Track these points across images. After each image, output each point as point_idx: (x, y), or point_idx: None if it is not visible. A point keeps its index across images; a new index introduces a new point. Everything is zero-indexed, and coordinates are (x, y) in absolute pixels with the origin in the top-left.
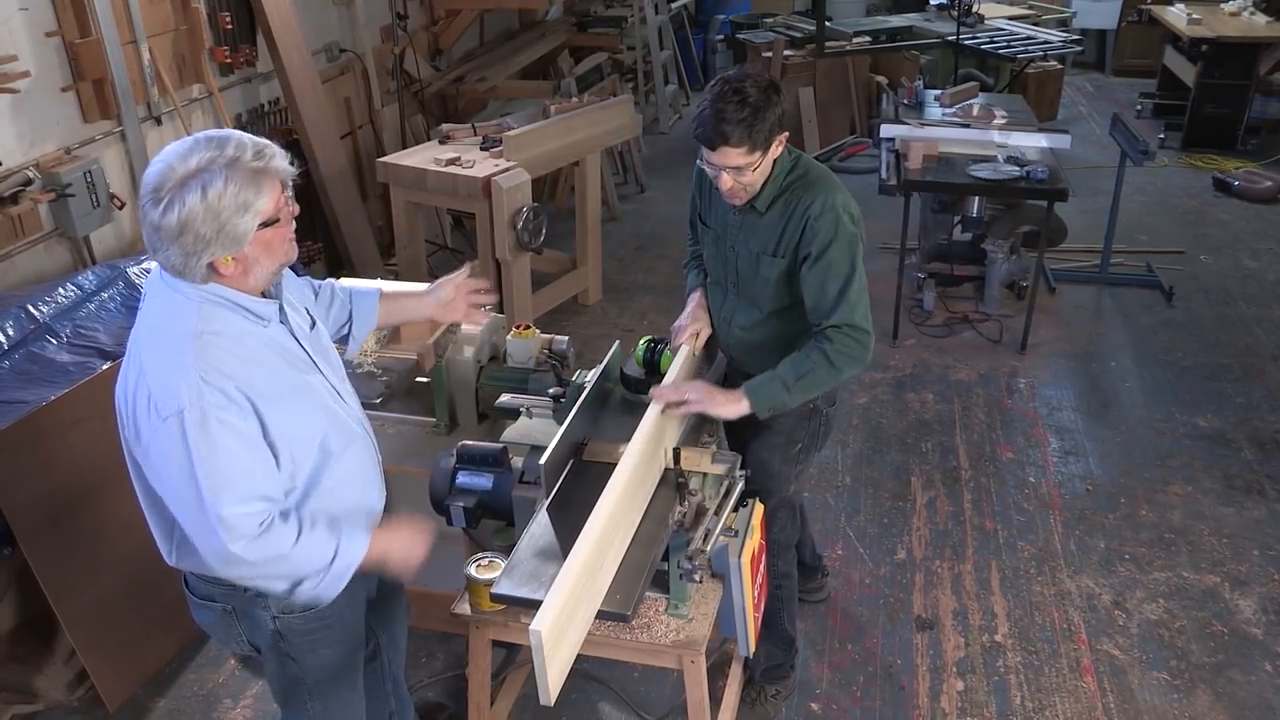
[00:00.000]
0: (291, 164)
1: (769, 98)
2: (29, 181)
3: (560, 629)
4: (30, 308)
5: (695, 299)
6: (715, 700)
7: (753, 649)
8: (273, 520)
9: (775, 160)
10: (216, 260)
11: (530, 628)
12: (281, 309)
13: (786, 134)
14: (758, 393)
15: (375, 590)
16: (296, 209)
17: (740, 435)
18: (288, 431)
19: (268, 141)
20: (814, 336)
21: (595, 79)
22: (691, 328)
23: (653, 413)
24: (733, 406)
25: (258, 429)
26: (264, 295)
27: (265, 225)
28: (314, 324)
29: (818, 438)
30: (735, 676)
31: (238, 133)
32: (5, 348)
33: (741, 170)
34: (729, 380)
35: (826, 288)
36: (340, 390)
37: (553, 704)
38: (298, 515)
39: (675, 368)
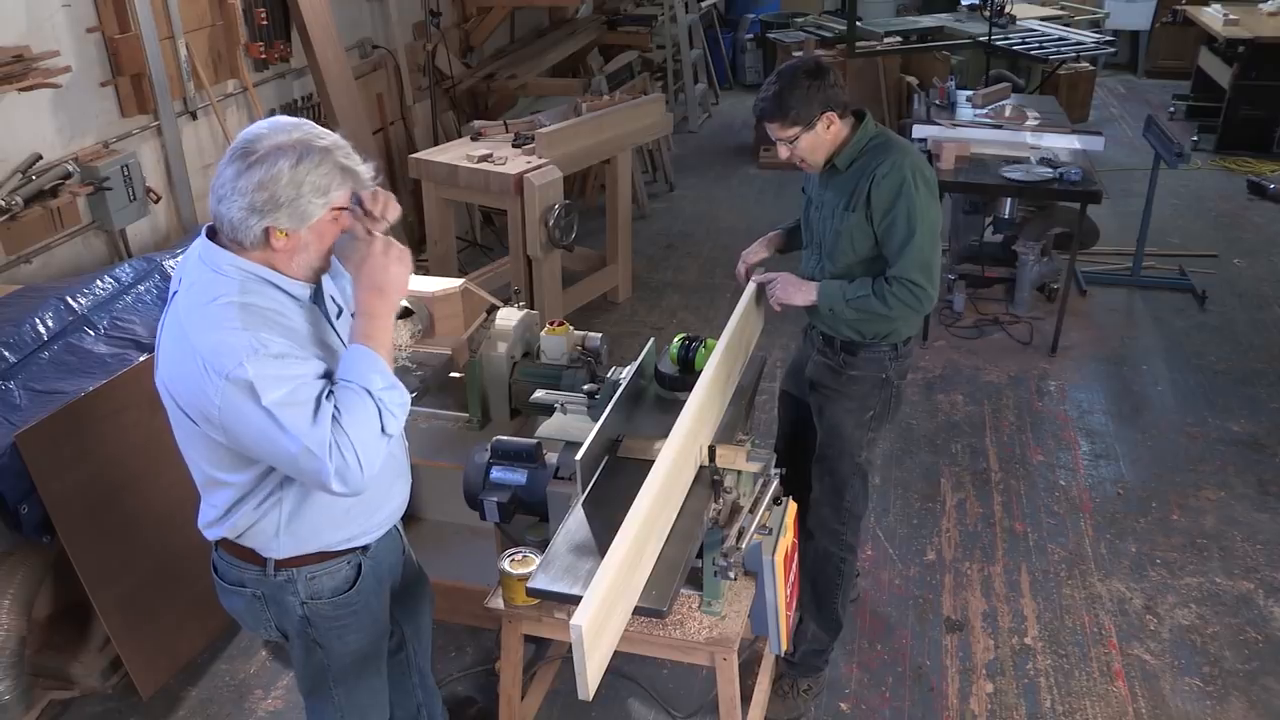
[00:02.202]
0: (375, 178)
1: (811, 80)
2: (68, 175)
3: (600, 623)
4: (69, 299)
5: (768, 235)
6: (745, 697)
7: (784, 648)
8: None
9: (856, 128)
10: (274, 229)
11: (571, 622)
12: (318, 290)
13: (834, 114)
14: (825, 292)
15: (400, 580)
16: (349, 221)
17: (816, 400)
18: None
19: (357, 153)
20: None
21: (625, 77)
22: (751, 249)
23: (690, 408)
24: (803, 295)
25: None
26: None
27: (326, 217)
28: (340, 312)
29: (889, 407)
30: (765, 674)
31: (335, 133)
32: (45, 339)
33: (788, 141)
34: (807, 338)
35: (891, 241)
36: None
37: (591, 698)
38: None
39: (699, 390)
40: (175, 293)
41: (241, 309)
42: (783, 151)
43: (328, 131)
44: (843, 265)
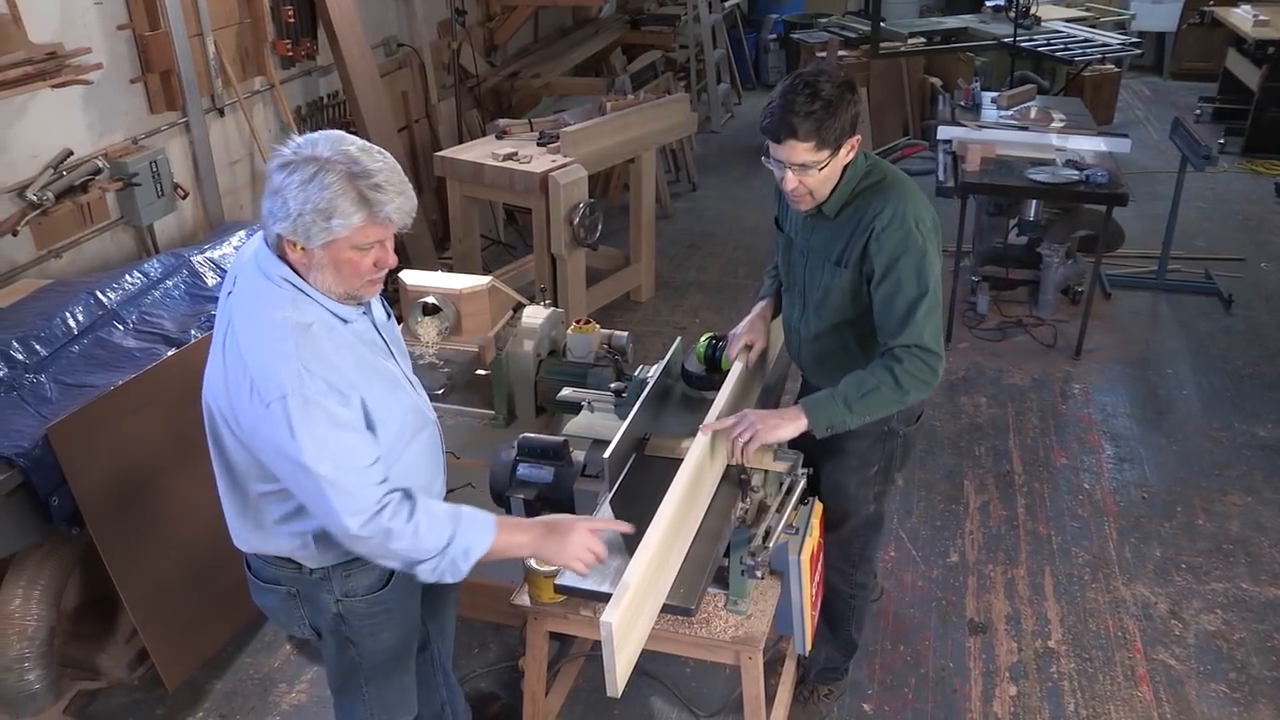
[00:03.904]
0: (409, 217)
1: (844, 95)
2: (98, 171)
3: (629, 621)
4: (99, 294)
5: (757, 309)
6: (768, 698)
7: (809, 647)
8: (390, 499)
9: (846, 165)
10: (285, 237)
11: (601, 619)
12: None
13: (859, 138)
14: (816, 410)
15: None
16: (393, 261)
17: (815, 457)
18: (380, 415)
19: (404, 191)
20: (881, 355)
21: (649, 77)
22: (745, 338)
23: (715, 410)
24: (790, 426)
25: (358, 415)
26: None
27: (344, 245)
28: (389, 315)
29: (895, 459)
30: (788, 674)
31: (391, 161)
32: (75, 333)
33: (807, 169)
34: (803, 392)
35: (895, 304)
36: (411, 380)
37: (620, 695)
38: (412, 495)
39: (725, 390)
40: (230, 293)
41: (296, 330)
42: (790, 181)
43: (381, 157)
44: (831, 322)
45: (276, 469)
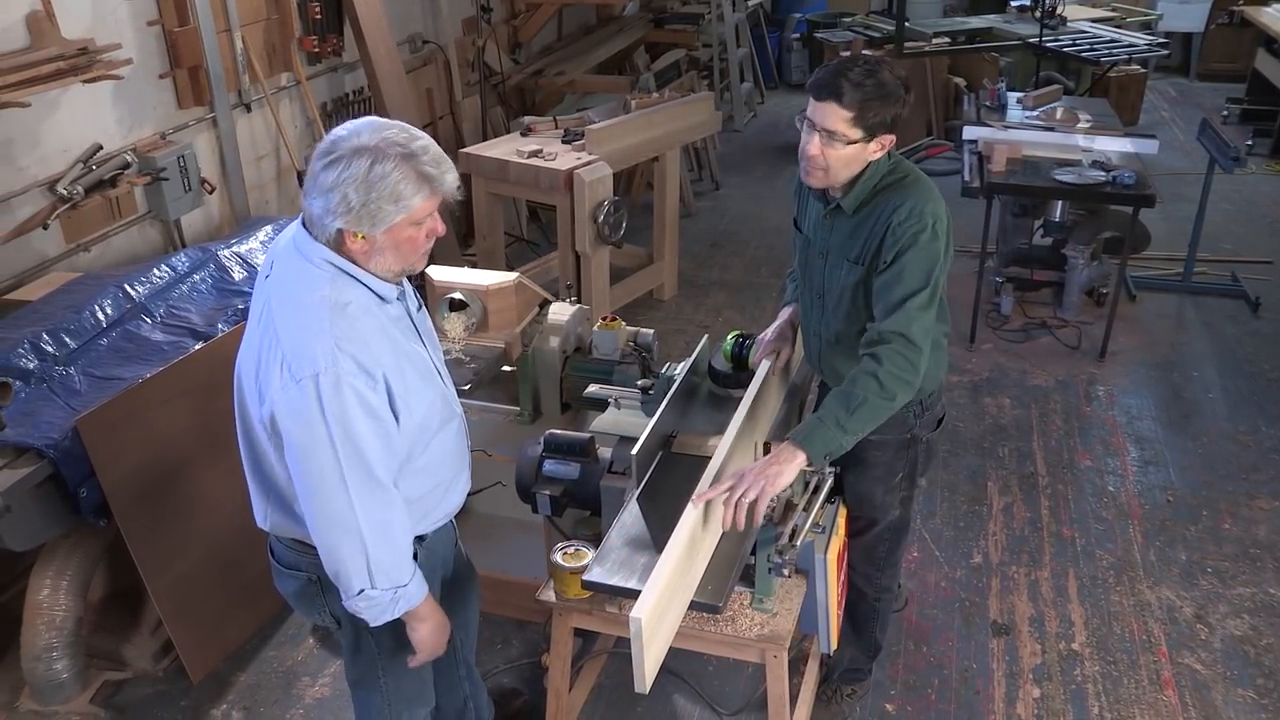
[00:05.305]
0: (459, 189)
1: (898, 89)
2: (127, 165)
3: (658, 617)
4: (127, 287)
5: (785, 315)
6: (791, 697)
7: (834, 647)
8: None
9: (871, 163)
10: (347, 230)
11: (631, 615)
12: (401, 288)
13: (893, 139)
14: (810, 441)
15: (450, 573)
16: (443, 230)
17: (839, 466)
18: (407, 399)
19: (451, 165)
20: (862, 358)
21: (672, 75)
22: (773, 344)
23: (743, 409)
24: (790, 467)
25: (383, 400)
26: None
27: (405, 224)
28: (420, 306)
29: (918, 464)
30: (811, 673)
31: (428, 136)
32: (104, 326)
33: (834, 138)
34: (821, 396)
35: (892, 291)
36: (441, 371)
37: (648, 691)
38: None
39: (752, 389)
40: (267, 277)
41: (333, 309)
42: (814, 145)
43: (419, 135)
44: (852, 325)
45: (289, 442)
